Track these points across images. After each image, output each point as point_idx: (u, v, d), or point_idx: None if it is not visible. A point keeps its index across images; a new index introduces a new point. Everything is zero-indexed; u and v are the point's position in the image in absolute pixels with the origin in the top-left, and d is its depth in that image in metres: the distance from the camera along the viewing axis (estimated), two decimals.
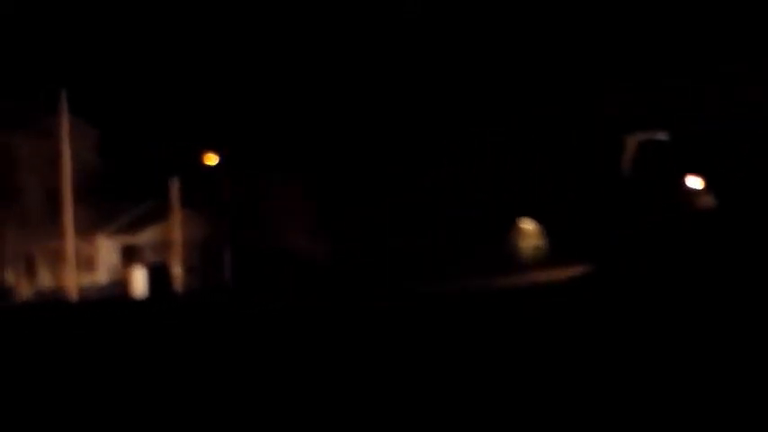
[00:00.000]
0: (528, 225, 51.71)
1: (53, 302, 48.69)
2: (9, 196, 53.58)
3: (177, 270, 54.15)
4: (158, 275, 52.99)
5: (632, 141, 40.93)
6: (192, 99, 56.09)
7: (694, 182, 40.32)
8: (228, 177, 56.08)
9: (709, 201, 39.52)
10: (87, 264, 54.78)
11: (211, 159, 56.78)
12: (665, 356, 11.81)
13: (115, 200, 56.20)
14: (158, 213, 57.45)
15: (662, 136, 41.25)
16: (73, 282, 50.57)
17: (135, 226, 59.03)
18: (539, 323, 17.65)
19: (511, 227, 50.45)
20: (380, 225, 52.07)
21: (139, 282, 53.84)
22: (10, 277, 54.43)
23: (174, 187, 54.67)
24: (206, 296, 45.15)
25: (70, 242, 50.73)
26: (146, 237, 58.65)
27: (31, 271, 54.89)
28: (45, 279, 54.82)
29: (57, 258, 53.09)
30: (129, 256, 57.48)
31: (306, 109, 55.43)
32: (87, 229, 54.11)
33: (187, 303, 41.10)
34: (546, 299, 23.19)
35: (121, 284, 54.61)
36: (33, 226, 53.82)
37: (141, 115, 56.69)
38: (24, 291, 53.93)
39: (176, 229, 54.51)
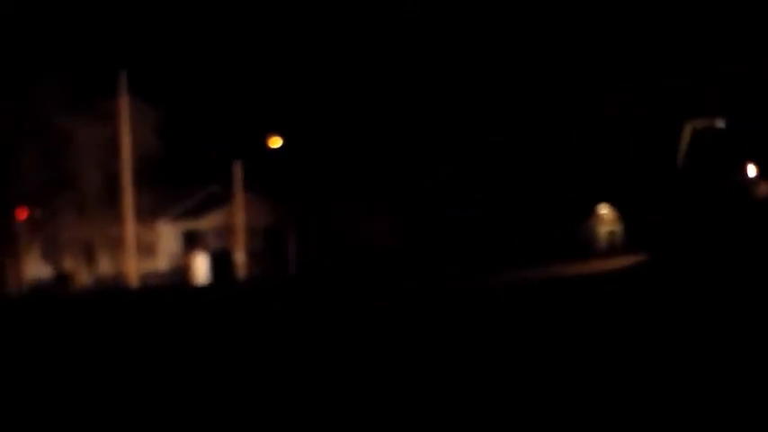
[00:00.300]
0: (605, 210, 51.02)
1: (113, 289, 47.84)
2: (68, 182, 52.77)
3: (240, 256, 53.02)
4: (220, 262, 51.95)
5: (689, 129, 40.40)
6: (256, 79, 54.80)
7: (751, 170, 40.26)
8: (293, 161, 54.92)
9: (766, 189, 40.07)
10: (148, 250, 53.78)
11: (276, 142, 55.53)
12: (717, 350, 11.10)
13: (176, 185, 55.13)
14: (221, 198, 56.47)
15: (719, 123, 41.26)
16: (133, 268, 49.56)
17: (197, 211, 58.12)
18: (587, 314, 16.86)
19: (589, 213, 49.66)
20: (450, 211, 50.73)
21: (201, 268, 52.94)
22: (69, 264, 53.66)
23: (237, 171, 53.50)
24: (268, 284, 43.65)
25: (130, 228, 49.77)
26: (208, 222, 57.70)
27: (90, 258, 54.03)
28: (105, 266, 53.95)
29: (117, 245, 52.24)
30: (191, 242, 56.52)
31: (371, 94, 54.14)
32: (148, 215, 53.20)
33: (249, 291, 39.74)
34: (596, 288, 22.52)
35: (183, 271, 53.77)
36: (93, 212, 52.99)
37: (203, 97, 55.43)
38: (83, 278, 53.14)
39: (239, 214, 53.37)
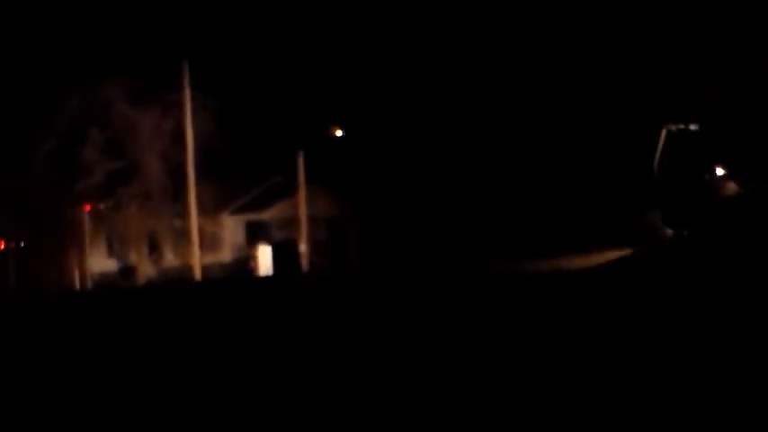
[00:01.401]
0: None
1: (177, 282, 47.87)
2: (132, 174, 52.88)
3: (304, 247, 52.79)
4: (285, 252, 51.73)
5: (664, 131, 41.80)
6: (316, 69, 54.51)
7: (720, 170, 42.11)
8: (356, 151, 54.60)
9: (733, 187, 41.14)
10: (211, 242, 53.76)
11: (337, 132, 55.24)
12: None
13: (239, 176, 55.05)
14: (283, 189, 56.28)
15: (693, 126, 42.61)
16: (197, 261, 49.56)
17: (260, 202, 58.00)
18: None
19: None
20: (514, 198, 50.02)
21: (265, 259, 52.79)
22: (133, 257, 53.79)
23: (300, 162, 53.28)
24: (332, 275, 43.24)
25: (194, 220, 49.79)
26: (271, 213, 57.58)
27: (154, 250, 54.13)
28: (169, 258, 54.02)
29: (180, 237, 52.30)
30: (255, 233, 56.43)
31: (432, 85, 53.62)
32: (211, 207, 53.14)
33: (313, 281, 39.42)
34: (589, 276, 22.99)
35: (247, 262, 53.67)
36: (156, 204, 53.07)
37: (265, 88, 55.24)
38: (148, 271, 53.22)
39: (302, 204, 53.13)
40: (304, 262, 52.44)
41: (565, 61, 48.41)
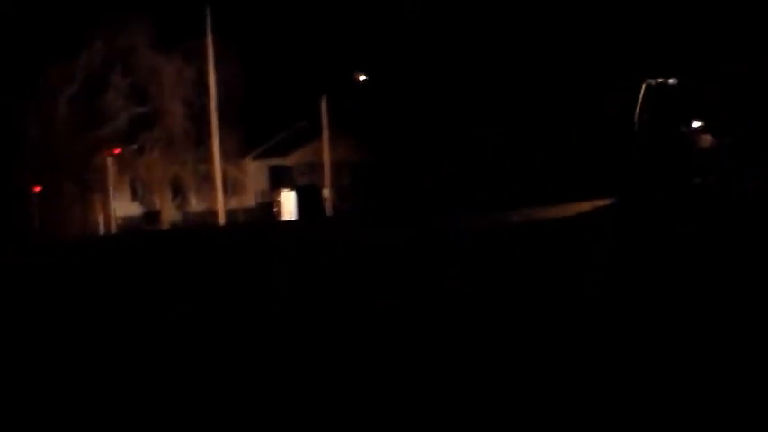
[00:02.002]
0: None
1: (201, 226, 47.94)
2: (156, 119, 52.82)
3: (327, 192, 52.64)
4: (309, 197, 51.57)
5: (644, 85, 44.98)
6: (339, 14, 54.09)
7: (696, 123, 46.01)
8: (378, 97, 54.26)
9: (709, 139, 45.13)
10: (235, 187, 53.72)
11: (361, 77, 54.89)
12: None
13: (263, 121, 54.89)
14: (307, 135, 56.07)
15: (670, 81, 45.62)
16: (221, 205, 49.55)
17: (283, 148, 57.86)
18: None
19: None
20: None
21: (289, 204, 52.69)
22: (156, 201, 53.84)
23: (323, 107, 52.99)
24: (354, 219, 43.03)
25: (217, 165, 49.69)
26: (294, 159, 57.45)
27: (177, 195, 54.16)
28: (192, 203, 54.05)
29: (204, 182, 52.27)
30: (278, 178, 56.35)
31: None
32: (234, 152, 53.06)
33: (335, 226, 39.32)
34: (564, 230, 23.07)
35: (270, 207, 53.62)
36: (179, 149, 53.02)
37: (288, 34, 54.87)
38: (172, 215, 53.28)
39: (326, 150, 52.90)
40: (327, 207, 52.34)
41: (564, 61, 48.51)
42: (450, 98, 51.84)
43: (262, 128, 55.66)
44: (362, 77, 55.03)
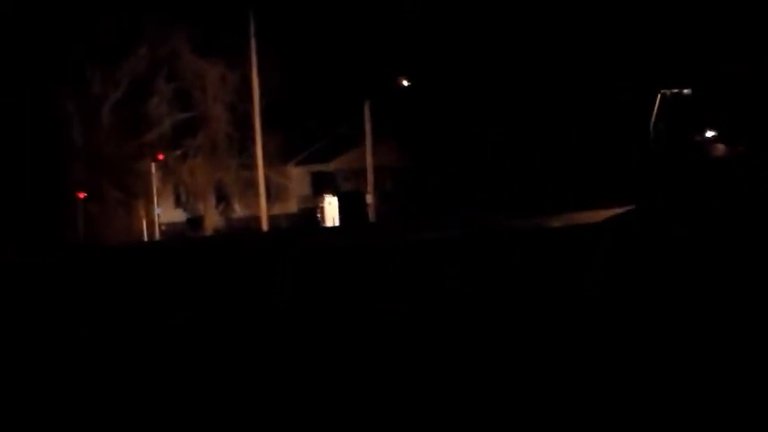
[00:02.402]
0: None
1: (244, 231, 47.94)
2: (199, 125, 52.93)
3: (370, 197, 52.50)
4: (351, 203, 51.51)
5: (659, 95, 46.60)
6: (383, 19, 53.97)
7: (710, 132, 47.59)
8: (421, 102, 54.10)
9: (722, 148, 46.73)
10: (278, 192, 53.73)
11: (404, 82, 54.73)
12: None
13: (305, 127, 54.89)
14: (350, 140, 55.99)
15: (685, 91, 47.02)
16: (264, 211, 49.53)
17: (326, 153, 57.81)
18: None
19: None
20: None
21: (332, 210, 52.64)
22: (200, 207, 53.94)
23: (366, 112, 52.86)
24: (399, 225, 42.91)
25: (261, 171, 49.69)
26: (337, 164, 57.39)
27: (221, 201, 54.24)
28: (236, 209, 54.11)
29: (247, 188, 52.31)
30: (321, 184, 56.32)
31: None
32: (277, 158, 53.09)
33: (378, 232, 39.19)
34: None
35: (313, 213, 53.58)
36: (223, 155, 53.10)
37: (331, 39, 54.80)
38: (215, 220, 53.36)
39: (369, 155, 52.78)
40: (370, 212, 52.20)
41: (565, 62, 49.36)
42: (489, 104, 51.98)
43: (304, 133, 55.66)
44: (405, 82, 54.88)
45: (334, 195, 53.72)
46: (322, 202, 53.86)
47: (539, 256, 16.22)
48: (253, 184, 50.79)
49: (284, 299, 15.06)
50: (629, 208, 29.27)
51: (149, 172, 50.54)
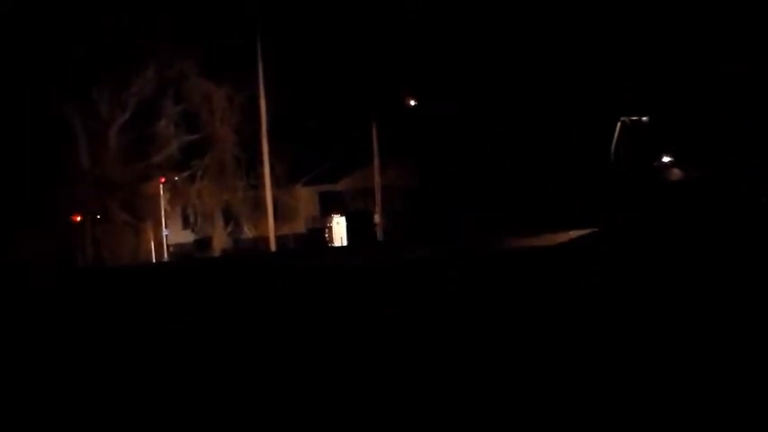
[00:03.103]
0: None
1: (252, 252, 47.90)
2: (207, 147, 52.94)
3: (378, 217, 52.47)
4: (359, 223, 51.46)
5: (620, 123, 49.18)
6: (390, 40, 54.02)
7: (666, 158, 50.38)
8: (428, 122, 54.10)
9: (678, 173, 49.51)
10: (286, 213, 53.66)
11: (411, 102, 54.77)
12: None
13: (313, 147, 54.88)
14: (357, 161, 55.97)
15: (644, 118, 49.41)
16: (272, 232, 49.49)
17: (333, 174, 57.78)
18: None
19: None
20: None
21: (340, 230, 52.59)
22: (208, 228, 53.88)
23: (374, 133, 52.91)
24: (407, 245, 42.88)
25: (268, 192, 49.68)
26: (345, 184, 57.35)
27: (229, 222, 54.16)
28: (244, 229, 54.05)
29: (255, 208, 52.29)
30: (329, 204, 56.27)
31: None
32: (285, 179, 53.09)
33: (386, 251, 39.17)
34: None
35: (321, 233, 53.51)
36: (230, 176, 53.08)
37: (339, 59, 54.86)
38: (223, 241, 53.28)
39: (377, 175, 52.78)
40: (379, 232, 52.16)
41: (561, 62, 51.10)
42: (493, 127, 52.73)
43: (312, 154, 55.65)
44: (413, 102, 54.93)
45: (342, 215, 53.67)
46: (330, 221, 53.82)
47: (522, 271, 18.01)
48: (260, 205, 50.77)
49: (285, 309, 15.45)
50: (593, 230, 31.37)
51: (157, 193, 50.53)
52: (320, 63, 54.76)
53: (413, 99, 55.02)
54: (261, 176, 50.44)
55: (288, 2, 54.07)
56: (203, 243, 53.10)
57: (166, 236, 50.19)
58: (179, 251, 51.35)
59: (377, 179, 52.90)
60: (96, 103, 49.96)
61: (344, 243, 51.04)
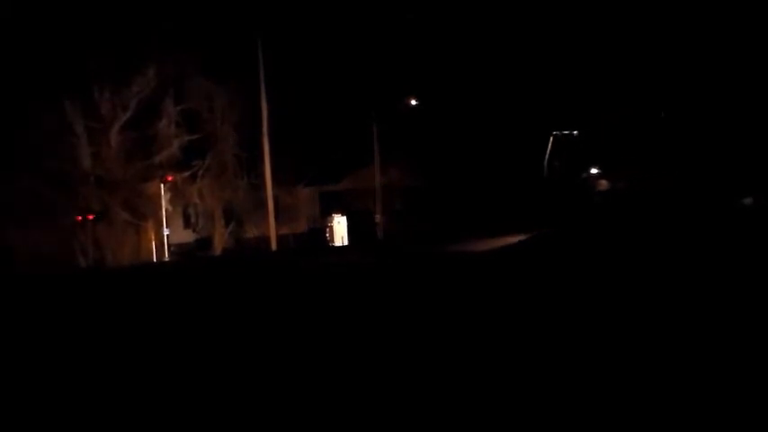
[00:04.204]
0: None
1: (253, 251, 47.95)
2: (208, 147, 53.00)
3: (379, 217, 52.60)
4: (360, 222, 51.59)
5: (552, 137, 52.52)
6: (392, 39, 54.16)
7: (594, 169, 53.98)
8: (429, 122, 54.24)
9: (605, 184, 52.80)
10: (287, 213, 53.75)
11: (412, 102, 54.89)
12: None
13: (314, 147, 54.96)
14: (358, 160, 56.07)
15: (574, 132, 53.04)
16: (273, 231, 49.56)
17: (335, 173, 57.87)
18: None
19: None
20: None
21: (341, 229, 52.71)
22: (209, 228, 53.96)
23: (375, 133, 53.03)
24: (404, 243, 43.06)
25: (269, 192, 49.73)
26: (346, 184, 57.44)
27: (230, 221, 54.25)
28: (245, 229, 54.14)
29: (256, 208, 52.36)
30: (329, 204, 56.38)
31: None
32: (286, 178, 53.13)
33: (386, 250, 39.33)
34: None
35: (322, 232, 53.62)
36: (231, 176, 53.15)
37: (341, 58, 54.94)
38: (224, 241, 53.36)
39: (377, 175, 52.88)
40: (379, 232, 52.29)
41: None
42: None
43: (313, 154, 55.74)
44: (413, 102, 55.03)
45: (343, 215, 53.80)
46: (331, 221, 53.94)
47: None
48: (261, 205, 50.82)
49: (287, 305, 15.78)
50: (530, 234, 33.57)
51: (158, 193, 50.59)
52: (321, 62, 54.86)
53: (414, 99, 55.13)
54: (262, 176, 50.49)
55: (289, 1, 54.15)
56: (204, 242, 53.17)
57: (167, 235, 50.24)
58: (180, 250, 51.39)
59: (378, 179, 53.01)
60: (97, 102, 49.98)
61: (345, 242, 51.17)
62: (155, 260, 49.66)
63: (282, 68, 52.39)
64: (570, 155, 53.42)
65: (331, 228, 53.64)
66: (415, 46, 54.34)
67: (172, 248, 50.74)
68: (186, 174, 52.72)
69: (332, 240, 52.91)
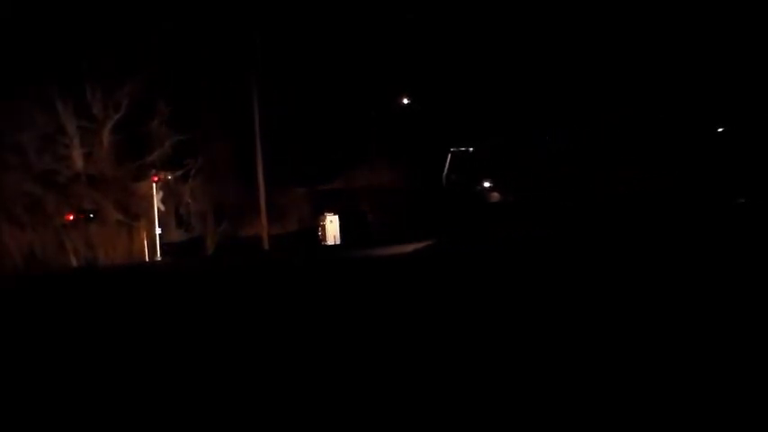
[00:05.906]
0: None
1: (245, 251, 47.94)
2: (200, 147, 52.99)
3: (371, 216, 52.63)
4: (352, 221, 51.62)
5: (450, 153, 55.26)
6: (383, 40, 54.20)
7: (487, 182, 57.79)
8: (420, 121, 54.30)
9: (496, 196, 56.76)
10: (279, 212, 53.75)
11: (404, 102, 54.93)
12: None
13: (307, 147, 54.98)
14: (352, 160, 56.09)
15: (470, 149, 55.99)
16: (265, 231, 49.60)
17: (328, 173, 57.85)
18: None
19: None
20: None
21: (333, 228, 52.72)
22: (201, 227, 53.94)
23: (369, 132, 53.08)
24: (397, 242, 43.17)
25: (262, 191, 49.76)
26: (338, 184, 57.43)
27: (222, 221, 54.23)
28: (237, 229, 54.13)
29: (248, 208, 52.35)
30: (322, 203, 56.38)
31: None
32: (279, 178, 53.12)
33: (376, 249, 39.48)
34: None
35: (314, 232, 53.62)
36: (224, 176, 53.15)
37: (333, 58, 54.95)
38: (216, 240, 53.35)
39: (370, 174, 52.94)
40: (373, 231, 52.32)
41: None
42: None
43: (306, 153, 55.74)
44: (406, 101, 55.08)
45: (335, 214, 53.80)
46: (323, 220, 53.92)
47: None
48: (254, 204, 50.81)
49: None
50: (428, 242, 34.94)
51: (150, 193, 50.58)
52: (314, 62, 54.87)
53: (407, 98, 55.18)
54: (255, 176, 50.48)
55: (284, 1, 54.19)
56: (196, 242, 53.15)
57: (159, 235, 50.24)
58: (172, 250, 51.37)
59: (370, 179, 53.06)
60: (89, 102, 49.97)
61: (338, 241, 51.19)
62: (147, 260, 49.66)
63: (275, 69, 52.43)
64: (467, 169, 56.94)
65: (323, 227, 53.62)
66: (414, 46, 54.46)
67: (164, 248, 50.73)
68: (179, 173, 52.69)
69: (324, 239, 52.90)
